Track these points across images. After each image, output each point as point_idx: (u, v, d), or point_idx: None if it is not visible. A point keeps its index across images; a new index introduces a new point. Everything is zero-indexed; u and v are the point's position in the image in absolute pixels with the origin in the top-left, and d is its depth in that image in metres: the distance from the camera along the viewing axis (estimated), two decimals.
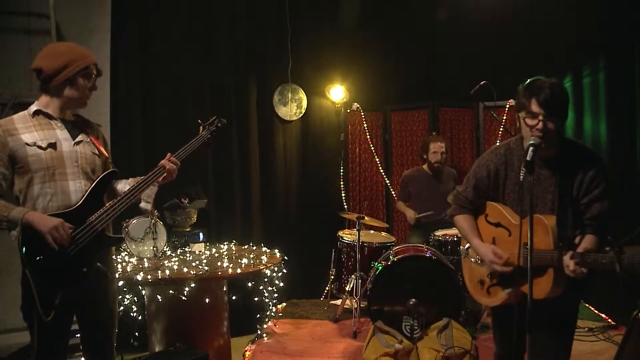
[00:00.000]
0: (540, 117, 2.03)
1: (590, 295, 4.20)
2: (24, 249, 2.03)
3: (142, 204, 2.43)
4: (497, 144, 4.45)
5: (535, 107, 2.04)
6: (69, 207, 2.15)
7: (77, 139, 2.26)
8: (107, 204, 2.22)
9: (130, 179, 2.41)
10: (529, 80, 2.12)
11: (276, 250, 3.70)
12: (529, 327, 1.95)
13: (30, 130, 2.16)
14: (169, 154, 2.41)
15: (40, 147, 2.14)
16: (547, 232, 2.02)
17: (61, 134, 2.22)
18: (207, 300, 3.22)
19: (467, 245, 2.39)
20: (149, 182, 2.32)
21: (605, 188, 2.09)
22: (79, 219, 2.13)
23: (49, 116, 2.22)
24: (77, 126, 2.31)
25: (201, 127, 2.63)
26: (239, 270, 3.12)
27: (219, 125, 2.66)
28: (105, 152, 2.36)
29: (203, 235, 3.91)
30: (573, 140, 2.24)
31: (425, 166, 4.82)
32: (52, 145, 2.17)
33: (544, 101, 2.02)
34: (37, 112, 2.21)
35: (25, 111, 2.23)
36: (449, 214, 2.46)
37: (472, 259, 2.35)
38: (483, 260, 2.23)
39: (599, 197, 2.08)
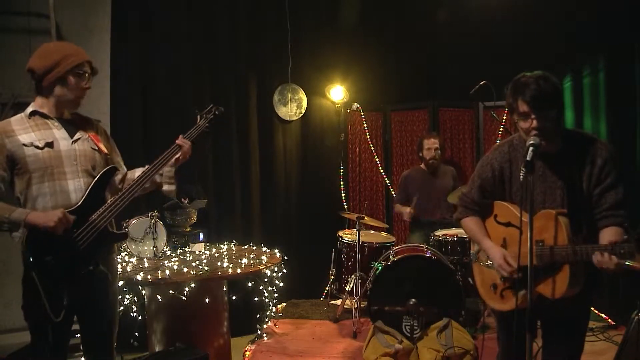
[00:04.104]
0: (533, 116, 1.97)
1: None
2: (29, 249, 2.03)
3: (166, 187, 2.41)
4: (499, 142, 4.44)
5: (523, 107, 1.98)
6: (69, 207, 2.15)
7: (75, 137, 2.25)
8: (109, 199, 2.22)
9: (140, 168, 2.39)
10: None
11: (276, 250, 3.70)
12: (530, 327, 1.93)
13: (27, 131, 2.17)
14: (180, 136, 2.42)
15: (37, 147, 2.15)
16: (561, 227, 1.96)
17: (58, 133, 2.22)
18: (207, 300, 3.22)
19: (477, 248, 2.32)
20: (162, 164, 2.32)
21: (617, 175, 2.02)
22: (80, 218, 2.13)
23: (45, 116, 2.22)
24: (75, 124, 2.31)
25: (199, 117, 2.60)
26: (239, 270, 3.12)
27: (217, 112, 2.61)
28: (104, 148, 2.35)
29: (203, 235, 3.90)
30: (575, 130, 2.18)
31: (422, 165, 4.86)
32: (49, 145, 2.18)
33: (531, 99, 1.95)
34: (33, 113, 2.22)
35: (22, 113, 2.24)
36: (455, 217, 2.40)
37: (483, 263, 2.28)
38: (492, 263, 2.16)
39: (612, 185, 2.01)
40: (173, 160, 2.37)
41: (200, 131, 2.53)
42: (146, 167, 2.35)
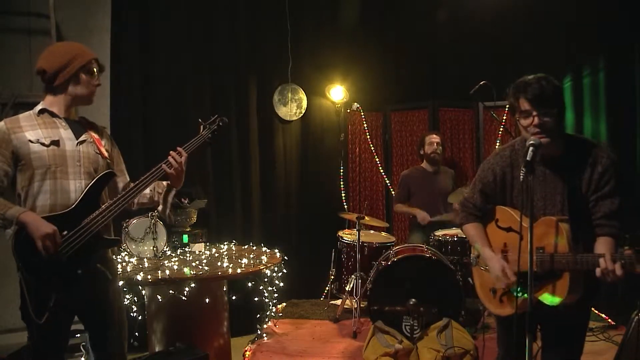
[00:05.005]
0: (534, 113, 1.99)
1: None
2: (16, 248, 2.03)
3: (160, 207, 2.47)
4: (499, 146, 4.44)
5: (525, 105, 2.00)
6: (67, 207, 2.15)
7: (81, 139, 2.27)
8: (103, 205, 2.22)
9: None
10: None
11: (276, 250, 3.70)
12: (530, 328, 1.92)
13: (34, 128, 2.19)
14: (177, 147, 2.40)
15: (43, 144, 2.16)
16: (562, 234, 1.95)
17: (65, 133, 2.23)
18: (207, 300, 3.22)
19: (477, 252, 2.30)
20: (151, 179, 2.31)
21: (615, 184, 2.01)
22: (74, 221, 2.13)
23: (53, 115, 2.24)
24: (82, 126, 2.33)
25: (202, 127, 2.60)
26: (239, 270, 3.12)
27: (220, 124, 2.61)
28: (105, 153, 2.36)
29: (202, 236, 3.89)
30: (577, 136, 2.18)
31: (423, 164, 4.87)
32: (55, 143, 2.19)
33: (532, 97, 1.97)
34: (42, 111, 2.24)
35: (31, 111, 2.26)
36: (457, 222, 2.40)
37: (483, 267, 2.27)
38: (490, 273, 2.17)
39: (609, 194, 2.01)
40: (169, 173, 2.34)
41: (202, 142, 2.51)
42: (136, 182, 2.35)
